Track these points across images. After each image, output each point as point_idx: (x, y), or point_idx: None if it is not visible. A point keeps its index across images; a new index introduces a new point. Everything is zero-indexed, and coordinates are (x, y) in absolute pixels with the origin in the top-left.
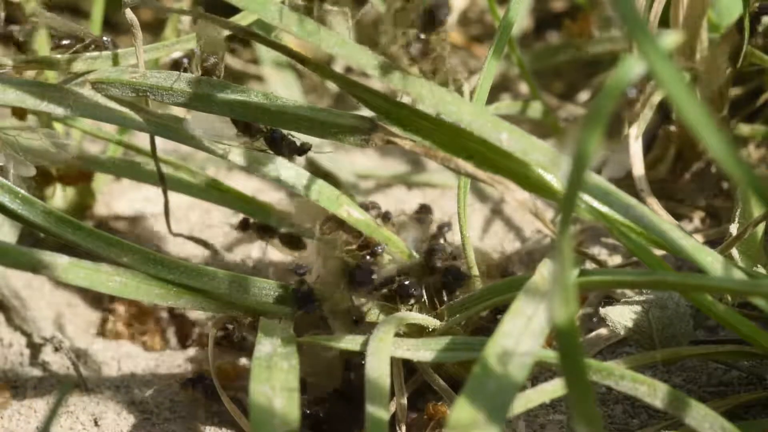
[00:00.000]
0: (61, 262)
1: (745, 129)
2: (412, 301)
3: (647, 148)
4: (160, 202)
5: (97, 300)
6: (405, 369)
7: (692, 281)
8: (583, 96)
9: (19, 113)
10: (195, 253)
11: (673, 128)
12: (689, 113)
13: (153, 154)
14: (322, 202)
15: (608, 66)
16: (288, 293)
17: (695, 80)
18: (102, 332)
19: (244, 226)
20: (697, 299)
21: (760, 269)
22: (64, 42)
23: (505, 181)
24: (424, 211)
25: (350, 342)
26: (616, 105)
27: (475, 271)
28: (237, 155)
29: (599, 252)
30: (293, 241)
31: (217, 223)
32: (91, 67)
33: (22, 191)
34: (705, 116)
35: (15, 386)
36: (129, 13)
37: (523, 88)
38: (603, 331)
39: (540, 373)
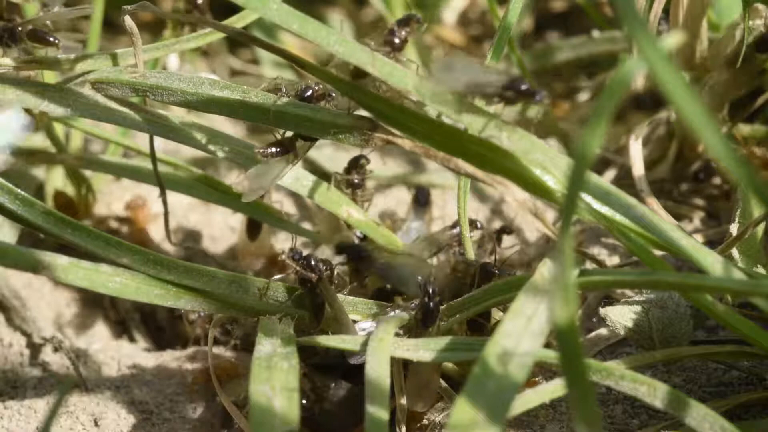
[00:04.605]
0: (61, 262)
1: (745, 129)
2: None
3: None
4: (161, 201)
5: (97, 300)
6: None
7: (692, 281)
8: (583, 96)
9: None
10: (195, 252)
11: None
12: (689, 113)
13: (152, 154)
14: (322, 203)
15: (608, 66)
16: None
17: (696, 80)
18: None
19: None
20: (697, 299)
21: (760, 269)
22: None
23: (505, 181)
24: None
25: (350, 342)
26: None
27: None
28: (237, 155)
29: (599, 252)
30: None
31: (217, 223)
32: (91, 67)
33: (22, 192)
34: (705, 116)
35: (15, 386)
36: (128, 20)
37: None
38: (603, 331)
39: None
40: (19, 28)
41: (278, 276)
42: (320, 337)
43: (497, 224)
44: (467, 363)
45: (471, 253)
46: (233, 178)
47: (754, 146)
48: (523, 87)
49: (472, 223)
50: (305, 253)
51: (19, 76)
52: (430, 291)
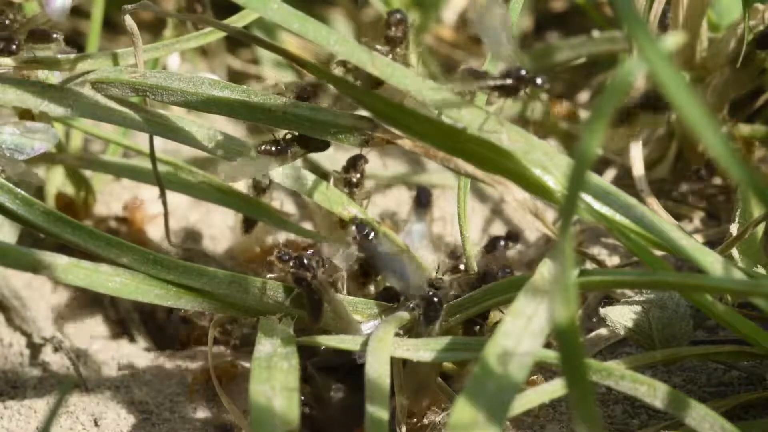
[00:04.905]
0: (60, 262)
1: (745, 129)
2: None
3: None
4: (160, 201)
5: (97, 300)
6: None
7: (692, 281)
8: (583, 96)
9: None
10: (195, 253)
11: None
12: (689, 113)
13: (151, 155)
14: (323, 202)
15: (608, 66)
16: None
17: (696, 80)
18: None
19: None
20: (697, 299)
21: (760, 269)
22: None
23: (505, 181)
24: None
25: (350, 342)
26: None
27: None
28: (237, 156)
29: (599, 252)
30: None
31: (217, 223)
32: (91, 67)
33: (22, 192)
34: (705, 116)
35: (15, 386)
36: (128, 20)
37: None
38: (603, 331)
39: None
40: (21, 36)
41: (275, 275)
42: (320, 336)
43: (497, 225)
44: (467, 363)
45: (471, 254)
46: (220, 167)
47: (754, 146)
48: (523, 72)
49: (510, 237)
50: (296, 253)
51: (19, 76)
52: (435, 285)
